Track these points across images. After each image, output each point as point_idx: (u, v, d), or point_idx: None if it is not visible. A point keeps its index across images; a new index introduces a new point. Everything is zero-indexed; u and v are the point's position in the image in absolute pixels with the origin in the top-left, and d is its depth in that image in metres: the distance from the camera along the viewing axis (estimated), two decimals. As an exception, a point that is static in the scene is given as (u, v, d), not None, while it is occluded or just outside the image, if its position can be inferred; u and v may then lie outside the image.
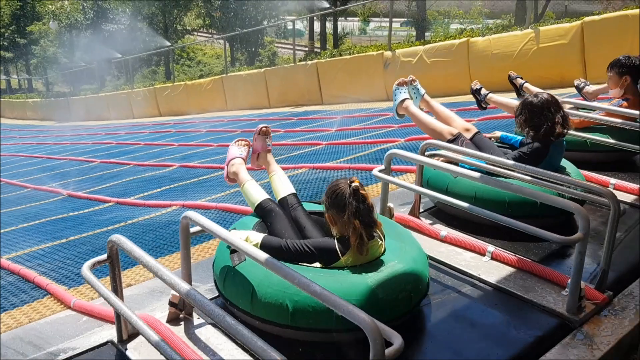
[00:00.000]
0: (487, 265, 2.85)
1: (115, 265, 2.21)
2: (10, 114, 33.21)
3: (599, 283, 2.58)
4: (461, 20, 32.01)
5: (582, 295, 2.47)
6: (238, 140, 3.15)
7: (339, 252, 2.29)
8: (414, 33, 27.09)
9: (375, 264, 2.31)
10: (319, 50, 23.49)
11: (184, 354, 2.12)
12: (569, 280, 2.45)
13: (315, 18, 26.66)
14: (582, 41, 9.97)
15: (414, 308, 2.33)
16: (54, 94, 31.52)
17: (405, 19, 30.58)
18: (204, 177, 6.70)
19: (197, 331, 2.36)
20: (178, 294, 2.38)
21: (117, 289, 2.25)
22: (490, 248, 2.91)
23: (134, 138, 13.27)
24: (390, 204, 3.23)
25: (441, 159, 3.24)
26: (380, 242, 2.39)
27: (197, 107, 17.76)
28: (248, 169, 3.06)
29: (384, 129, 8.23)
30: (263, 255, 1.91)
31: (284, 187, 2.90)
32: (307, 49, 27.09)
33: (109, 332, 2.45)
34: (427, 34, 26.29)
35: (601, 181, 3.77)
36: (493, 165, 2.99)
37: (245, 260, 2.30)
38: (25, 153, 13.62)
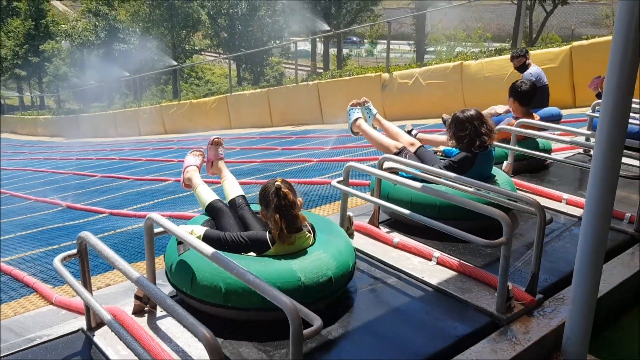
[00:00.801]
0: (432, 269, 3.10)
1: (84, 259, 2.49)
2: (21, 130, 33.88)
3: (529, 286, 2.82)
4: (464, 43, 32.47)
5: (510, 296, 2.71)
6: (193, 151, 3.54)
7: (269, 243, 2.65)
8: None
9: (302, 253, 2.67)
10: (321, 71, 23.97)
11: (143, 340, 2.38)
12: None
13: (318, 40, 27.23)
14: (571, 65, 10.25)
15: (337, 292, 2.69)
16: (65, 111, 32.17)
17: (410, 42, 31.09)
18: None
19: (158, 322, 2.62)
20: (143, 288, 2.67)
21: (86, 281, 2.52)
22: (437, 254, 3.17)
23: (136, 154, 13.64)
24: (349, 213, 3.49)
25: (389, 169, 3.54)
26: (309, 234, 2.74)
27: (201, 125, 18.16)
28: (206, 176, 3.45)
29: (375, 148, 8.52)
30: (207, 249, 2.19)
31: (233, 190, 3.27)
32: (310, 69, 27.61)
33: (82, 322, 2.72)
34: (432, 56, 26.76)
35: (553, 195, 4.03)
36: (427, 174, 3.30)
37: (188, 250, 2.64)
38: (32, 167, 14.02)
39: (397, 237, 3.41)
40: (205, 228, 2.83)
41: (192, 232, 2.77)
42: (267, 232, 2.70)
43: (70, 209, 7.06)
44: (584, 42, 10.27)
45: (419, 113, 12.02)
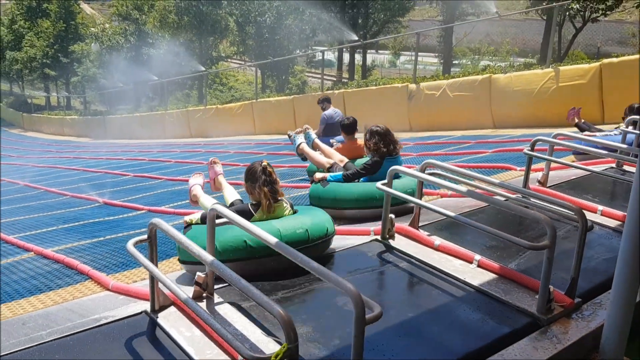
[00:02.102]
0: (473, 271, 3.23)
1: (153, 244, 2.67)
2: (48, 130, 34.60)
3: (569, 289, 2.93)
4: (491, 57, 32.50)
5: (551, 298, 2.83)
6: (195, 174, 4.35)
7: (251, 211, 3.45)
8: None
9: (282, 218, 3.45)
10: (346, 80, 24.19)
11: (205, 321, 2.54)
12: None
13: (345, 49, 27.46)
14: (601, 82, 10.30)
15: (314, 241, 3.35)
16: (91, 112, 32.79)
17: (436, 54, 31.17)
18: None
19: (216, 307, 2.78)
20: (203, 276, 2.84)
21: (154, 263, 2.70)
22: (477, 257, 3.29)
23: (165, 156, 13.92)
24: (391, 215, 3.64)
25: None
26: (285, 205, 3.52)
27: (226, 130, 18.45)
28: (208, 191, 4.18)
29: (404, 156, 8.64)
30: (271, 238, 2.35)
31: (231, 195, 3.99)
32: (335, 78, 27.84)
33: (143, 305, 2.89)
34: (456, 69, 26.86)
35: (589, 206, 4.13)
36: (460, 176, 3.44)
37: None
38: (63, 165, 14.37)
39: (437, 239, 3.54)
40: (201, 213, 3.57)
41: (192, 219, 3.53)
42: (248, 204, 3.47)
43: (108, 205, 7.29)
44: (614, 59, 10.32)
45: (445, 124, 12.13)
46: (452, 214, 3.12)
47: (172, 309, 2.80)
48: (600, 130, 6.38)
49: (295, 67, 30.78)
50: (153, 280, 2.71)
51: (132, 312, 2.84)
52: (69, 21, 37.97)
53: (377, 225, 3.80)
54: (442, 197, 4.97)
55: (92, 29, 36.77)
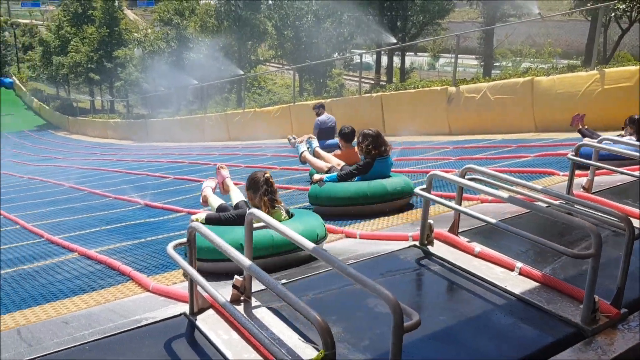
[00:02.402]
0: (515, 279, 3.15)
1: (192, 247, 2.71)
2: (92, 132, 35.61)
3: (615, 299, 2.83)
4: (532, 59, 31.82)
5: (596, 308, 2.74)
6: (208, 178, 4.77)
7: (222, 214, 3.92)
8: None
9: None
10: (384, 83, 24.06)
11: (243, 325, 2.56)
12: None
13: (383, 52, 27.35)
14: (648, 84, 9.96)
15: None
16: (133, 116, 33.60)
17: (477, 56, 30.70)
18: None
19: (254, 311, 2.79)
20: (241, 279, 2.86)
21: (193, 266, 2.73)
22: (519, 264, 3.21)
23: (204, 159, 14.14)
24: (430, 221, 3.59)
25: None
26: (282, 211, 3.89)
27: (264, 133, 18.61)
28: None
29: (442, 161, 8.55)
30: (308, 243, 2.34)
31: (236, 197, 4.34)
32: (373, 81, 27.73)
33: (182, 307, 2.93)
34: (497, 71, 26.39)
35: (635, 213, 3.98)
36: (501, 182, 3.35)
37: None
38: (106, 168, 14.76)
39: (478, 246, 3.47)
40: (206, 213, 4.04)
41: (197, 218, 3.93)
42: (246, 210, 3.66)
43: (149, 207, 7.44)
44: (663, 60, 9.96)
45: (485, 128, 11.93)
46: (492, 220, 3.06)
47: (211, 311, 2.83)
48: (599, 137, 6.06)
49: (332, 70, 30.81)
50: (192, 283, 2.74)
51: (171, 314, 2.89)
52: (113, 27, 39.01)
53: (414, 231, 3.76)
54: (482, 202, 4.88)
55: (135, 34, 37.69)
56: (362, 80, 19.20)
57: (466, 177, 3.61)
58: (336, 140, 8.75)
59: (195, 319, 2.76)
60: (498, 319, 2.85)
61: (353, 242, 4.18)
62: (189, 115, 26.07)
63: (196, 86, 26.70)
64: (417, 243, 3.65)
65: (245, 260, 2.45)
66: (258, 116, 19.84)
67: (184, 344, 2.67)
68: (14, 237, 6.24)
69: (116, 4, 40.61)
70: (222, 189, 4.65)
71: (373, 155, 5.16)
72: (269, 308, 2.81)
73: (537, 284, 3.10)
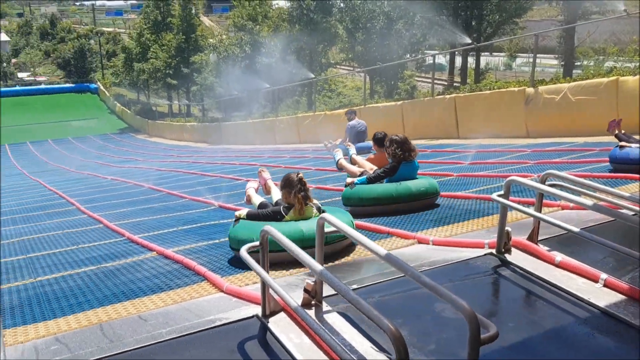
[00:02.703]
0: (599, 291, 2.97)
1: (264, 251, 2.73)
2: (169, 135, 37.08)
3: None
4: (616, 58, 30.14)
5: (693, 326, 2.53)
6: (251, 180, 5.39)
7: (283, 213, 4.25)
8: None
9: (308, 219, 4.19)
10: (458, 85, 23.53)
11: (314, 330, 2.55)
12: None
13: (457, 53, 26.77)
14: None
15: (331, 241, 4.01)
16: (208, 119, 34.68)
17: (556, 55, 29.44)
18: (337, 198, 7.23)
19: (325, 316, 2.78)
20: (312, 284, 2.86)
21: (265, 269, 2.76)
22: (604, 275, 3.03)
23: (276, 161, 14.36)
24: (508, 228, 3.45)
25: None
26: (313, 208, 4.28)
27: (334, 136, 18.63)
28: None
29: (519, 164, 8.25)
30: (381, 249, 2.30)
31: (277, 196, 4.78)
32: (446, 83, 27.20)
33: (255, 309, 2.97)
34: (578, 71, 25.23)
35: None
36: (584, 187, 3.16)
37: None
38: (183, 169, 15.29)
39: (558, 255, 3.30)
40: (248, 210, 4.54)
41: (240, 214, 4.44)
42: (281, 207, 4.31)
43: (222, 209, 7.62)
44: None
45: (566, 130, 11.38)
46: (575, 228, 2.91)
47: (282, 314, 2.85)
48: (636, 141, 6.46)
49: (404, 72, 30.50)
50: (264, 286, 2.77)
51: (244, 315, 2.93)
52: (190, 34, 40.45)
53: (491, 238, 3.63)
54: (563, 209, 4.65)
55: (210, 40, 38.88)
56: (435, 81, 18.87)
57: (546, 182, 3.45)
58: (366, 143, 10.29)
59: (268, 322, 2.79)
60: (580, 333, 2.70)
61: (425, 249, 4.09)
62: (261, 118, 26.58)
63: (268, 90, 27.21)
64: (493, 251, 3.52)
65: (316, 266, 2.45)
66: (328, 119, 19.92)
67: (256, 345, 2.70)
68: (98, 235, 6.57)
69: (193, 11, 42.07)
70: (265, 190, 5.17)
71: (399, 159, 5.64)
72: (340, 313, 2.80)
73: (623, 296, 2.91)
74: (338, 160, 6.78)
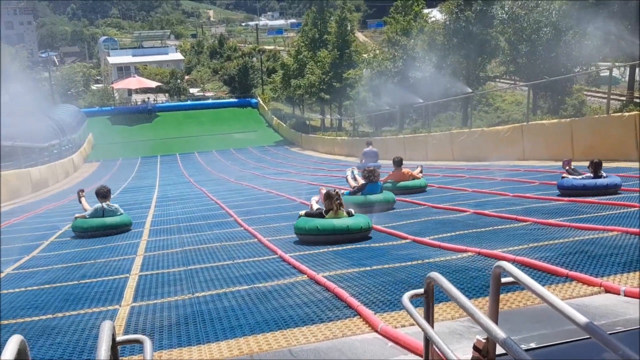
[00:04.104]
0: None
1: (430, 300, 2.39)
2: (321, 149, 38.12)
3: None
4: None
5: None
6: (314, 197, 7.81)
7: (323, 214, 6.61)
8: None
9: (340, 218, 6.58)
10: (639, 100, 21.02)
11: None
12: None
13: (638, 65, 23.98)
14: None
15: (353, 232, 6.51)
16: (359, 134, 35.01)
17: None
18: (499, 226, 6.64)
19: (498, 382, 2.36)
20: (483, 341, 2.45)
21: (429, 322, 2.42)
22: None
23: (428, 180, 13.84)
24: None
25: None
26: (344, 212, 6.65)
27: (491, 155, 17.63)
28: None
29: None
30: (580, 317, 1.85)
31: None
32: (624, 98, 24.47)
33: (413, 359, 2.64)
34: None
35: None
36: None
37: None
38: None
39: None
40: (306, 211, 7.01)
41: (301, 213, 6.98)
42: (323, 210, 6.69)
43: (374, 230, 7.37)
44: None
45: None
46: None
47: (447, 373, 2.48)
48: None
49: (573, 87, 28.10)
50: (428, 339, 2.43)
51: (401, 367, 2.61)
52: (344, 50, 41.31)
53: None
54: None
55: (364, 55, 39.31)
56: (611, 97, 16.99)
57: None
58: (377, 163, 16.67)
59: (430, 380, 2.44)
60: None
61: (616, 301, 3.45)
62: (413, 133, 26.14)
63: (420, 104, 26.70)
64: None
65: (489, 324, 2.04)
66: (485, 136, 18.94)
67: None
68: (253, 251, 6.67)
69: (348, 27, 42.93)
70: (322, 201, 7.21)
71: (366, 180, 9.06)
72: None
73: None
74: (347, 176, 10.32)
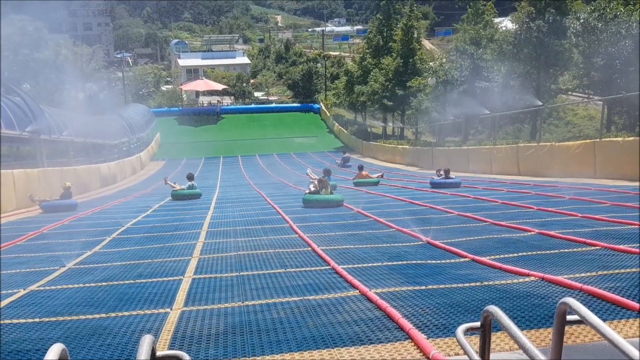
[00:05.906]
0: None
1: (486, 335, 2.22)
2: (381, 157, 37.85)
3: None
4: None
5: None
6: (314, 178, 13.93)
7: (319, 192, 12.75)
8: None
9: (327, 195, 12.73)
10: None
11: None
12: None
13: None
14: None
15: (331, 202, 12.51)
16: (421, 143, 34.47)
17: None
18: (566, 249, 6.27)
19: None
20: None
21: (484, 357, 2.25)
22: None
23: (491, 195, 13.40)
24: None
25: None
26: (328, 190, 12.86)
27: (560, 171, 16.90)
28: None
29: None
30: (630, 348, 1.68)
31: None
32: None
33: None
34: None
35: None
36: None
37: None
38: (392, 194, 15.16)
39: None
40: (309, 190, 13.20)
41: (307, 190, 13.39)
42: (320, 189, 12.73)
43: (430, 245, 7.16)
44: None
45: None
46: None
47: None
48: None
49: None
50: (483, 376, 2.26)
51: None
52: (409, 58, 40.86)
53: None
54: None
55: (430, 63, 38.72)
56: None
57: None
58: (349, 164, 31.24)
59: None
60: None
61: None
62: (477, 145, 25.46)
63: (486, 116, 25.96)
64: None
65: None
66: (555, 151, 18.19)
67: None
68: (305, 260, 6.59)
69: (415, 35, 42.44)
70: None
71: (321, 185, 13.07)
72: None
73: None
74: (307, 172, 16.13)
